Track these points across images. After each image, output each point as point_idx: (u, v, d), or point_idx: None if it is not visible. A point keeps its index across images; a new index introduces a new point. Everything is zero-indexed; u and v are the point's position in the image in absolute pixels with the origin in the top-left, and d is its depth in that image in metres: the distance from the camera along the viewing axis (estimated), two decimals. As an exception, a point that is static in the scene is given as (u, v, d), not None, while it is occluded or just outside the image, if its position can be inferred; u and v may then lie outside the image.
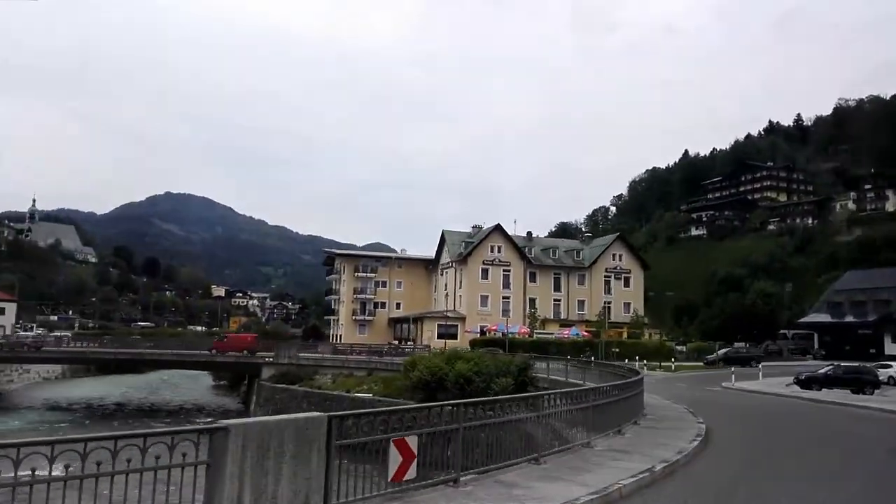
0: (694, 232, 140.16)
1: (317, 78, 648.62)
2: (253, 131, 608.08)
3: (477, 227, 76.95)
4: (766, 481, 11.35)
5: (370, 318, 79.26)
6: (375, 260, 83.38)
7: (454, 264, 74.36)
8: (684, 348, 63.88)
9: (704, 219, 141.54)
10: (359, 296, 79.11)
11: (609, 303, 75.20)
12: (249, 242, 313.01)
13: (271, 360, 49.96)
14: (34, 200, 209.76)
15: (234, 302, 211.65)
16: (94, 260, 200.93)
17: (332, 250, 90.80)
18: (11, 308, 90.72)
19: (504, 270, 73.74)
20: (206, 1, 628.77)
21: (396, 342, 70.27)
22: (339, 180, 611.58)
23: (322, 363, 48.40)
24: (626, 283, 77.67)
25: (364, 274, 79.61)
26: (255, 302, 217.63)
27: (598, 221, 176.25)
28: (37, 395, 61.73)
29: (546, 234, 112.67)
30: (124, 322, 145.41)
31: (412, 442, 7.67)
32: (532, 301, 73.26)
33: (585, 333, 64.23)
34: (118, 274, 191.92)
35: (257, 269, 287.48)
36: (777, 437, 17.66)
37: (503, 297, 72.89)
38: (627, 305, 76.05)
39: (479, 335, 62.42)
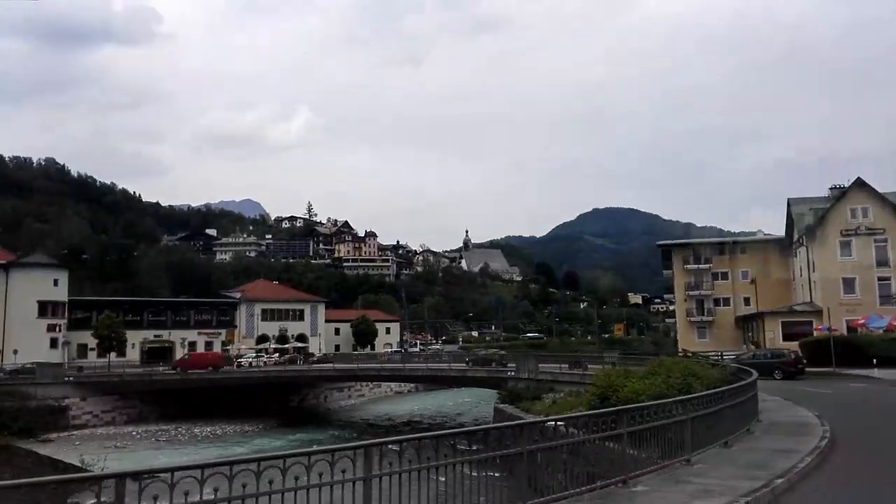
0: None
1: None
2: (678, 135, 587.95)
3: (837, 188, 57.30)
4: None
5: (709, 318, 65.24)
6: (710, 247, 68.55)
7: (803, 240, 56.49)
8: None
9: None
10: (692, 292, 65.92)
11: None
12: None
13: (513, 374, 43.74)
14: (466, 231, 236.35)
15: (654, 308, 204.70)
16: (518, 278, 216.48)
17: (667, 242, 77.82)
18: (396, 327, 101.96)
19: (877, 241, 53.05)
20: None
21: (752, 345, 56.26)
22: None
23: (559, 378, 40.31)
24: None
25: (695, 266, 66.13)
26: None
27: None
28: (374, 410, 66.30)
29: None
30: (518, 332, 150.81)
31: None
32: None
33: None
34: (538, 289, 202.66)
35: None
36: None
37: (880, 279, 52.41)
38: None
39: (837, 331, 45.02)
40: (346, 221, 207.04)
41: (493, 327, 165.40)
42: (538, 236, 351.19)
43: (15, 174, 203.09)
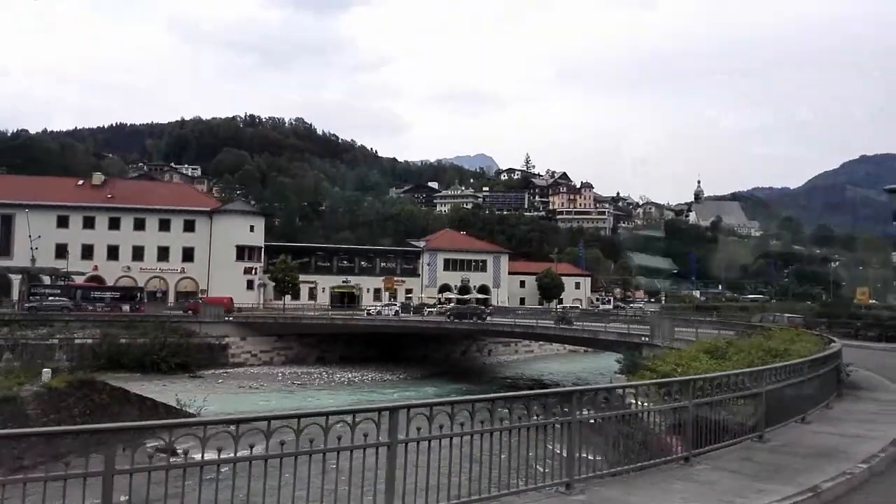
0: None
1: None
2: None
3: None
4: None
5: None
6: None
7: None
8: None
9: None
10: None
11: None
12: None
13: (647, 339, 37.25)
14: (699, 182, 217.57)
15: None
16: (757, 234, 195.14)
17: None
18: (586, 282, 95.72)
19: None
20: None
21: None
22: None
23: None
24: None
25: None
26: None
27: None
28: (534, 367, 62.52)
29: None
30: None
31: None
32: None
33: None
34: (779, 245, 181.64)
35: None
36: None
37: None
38: None
39: None
40: (564, 173, 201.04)
41: (719, 286, 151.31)
42: (792, 187, 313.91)
43: (270, 133, 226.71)
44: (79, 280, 68.12)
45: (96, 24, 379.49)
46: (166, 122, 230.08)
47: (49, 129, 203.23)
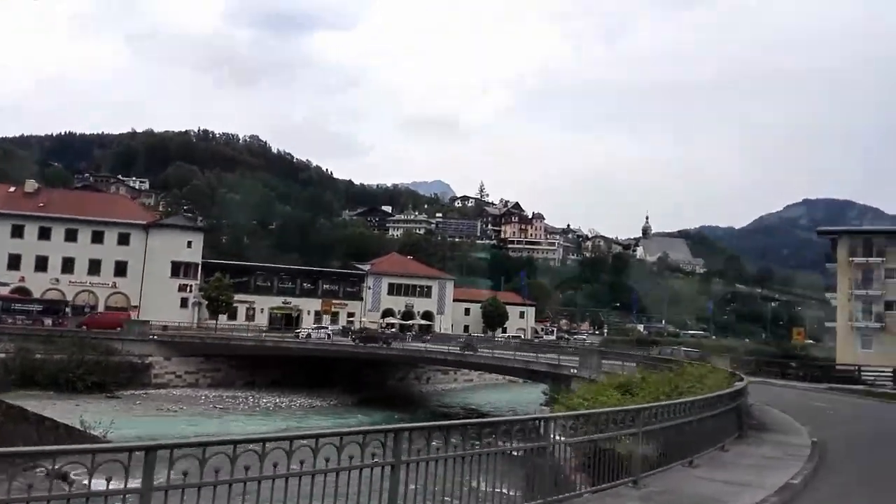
0: None
1: None
2: None
3: None
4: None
5: (878, 324, 51.82)
6: (885, 236, 54.16)
7: None
8: None
9: None
10: (859, 291, 52.74)
11: None
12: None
13: (575, 371, 36.81)
14: (647, 218, 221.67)
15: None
16: (701, 271, 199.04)
17: (832, 227, 63.27)
18: (531, 312, 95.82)
19: None
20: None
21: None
22: None
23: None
24: None
25: (865, 259, 52.67)
26: None
27: None
28: (470, 398, 61.50)
29: None
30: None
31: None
32: None
33: None
34: (723, 283, 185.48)
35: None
36: None
37: None
38: None
39: None
40: (517, 203, 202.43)
41: (663, 321, 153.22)
42: (737, 227, 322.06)
43: (223, 149, 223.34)
44: (3, 291, 65.07)
45: (56, 32, 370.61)
46: (117, 132, 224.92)
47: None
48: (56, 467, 4.75)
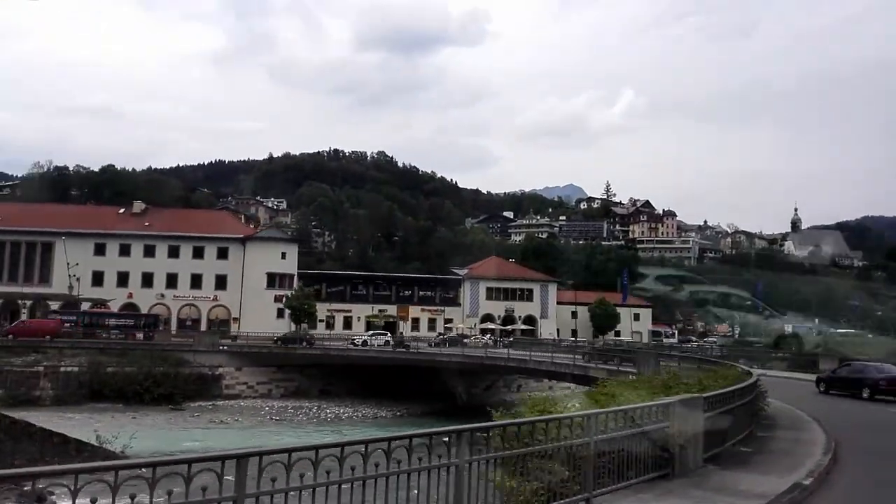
0: None
1: None
2: None
3: None
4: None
5: None
6: None
7: None
8: None
9: None
10: None
11: None
12: None
13: (633, 376, 31.74)
14: (795, 210, 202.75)
15: None
16: (859, 264, 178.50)
17: None
18: (647, 314, 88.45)
19: None
20: None
21: None
22: None
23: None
24: None
25: None
26: None
27: None
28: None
29: None
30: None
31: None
32: None
33: None
34: (885, 278, 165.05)
35: None
36: None
37: None
38: None
39: None
40: (647, 201, 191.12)
41: (816, 320, 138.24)
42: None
43: (352, 166, 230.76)
44: (106, 307, 68.34)
45: (208, 74, 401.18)
46: (259, 158, 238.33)
47: (154, 167, 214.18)
48: (41, 486, 4.75)
